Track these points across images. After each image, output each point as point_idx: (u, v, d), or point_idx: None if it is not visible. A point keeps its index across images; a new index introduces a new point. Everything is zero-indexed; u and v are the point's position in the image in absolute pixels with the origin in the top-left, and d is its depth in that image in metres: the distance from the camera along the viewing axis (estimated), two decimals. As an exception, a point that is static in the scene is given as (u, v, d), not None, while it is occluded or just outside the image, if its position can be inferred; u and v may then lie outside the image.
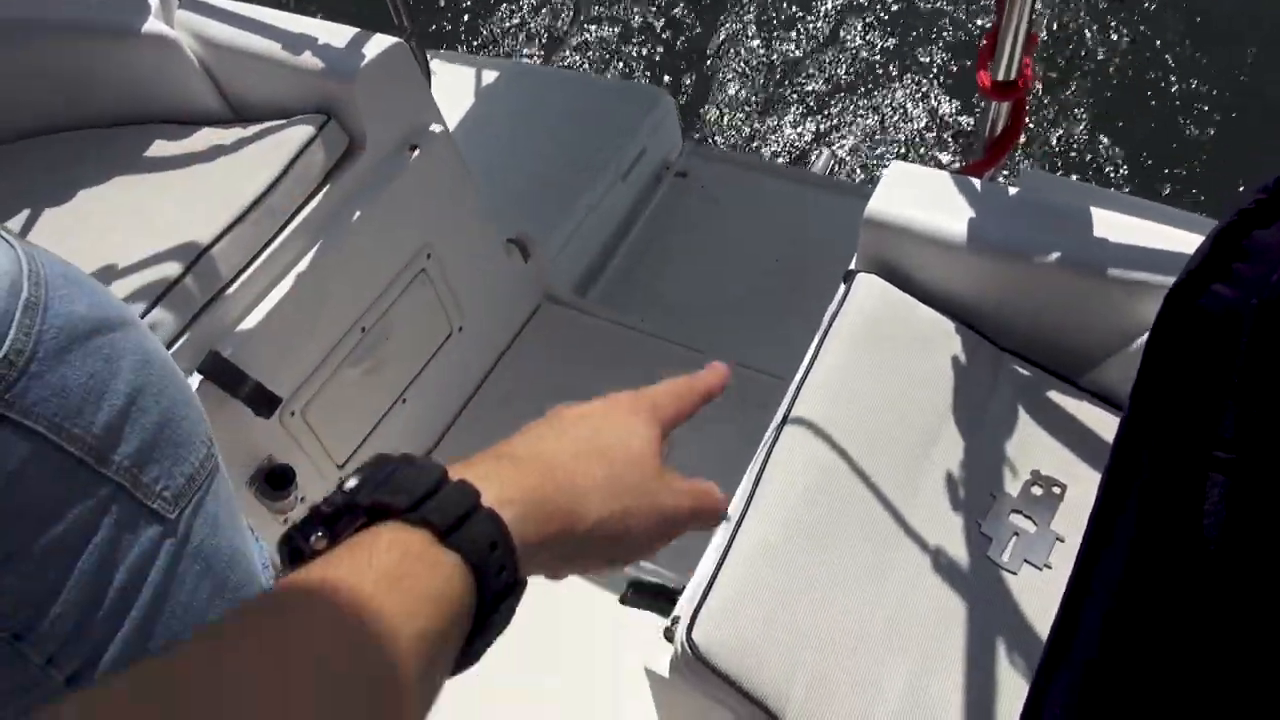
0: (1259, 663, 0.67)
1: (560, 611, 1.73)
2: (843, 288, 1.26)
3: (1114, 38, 3.65)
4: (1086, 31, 3.68)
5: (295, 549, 0.38)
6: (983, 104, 1.33)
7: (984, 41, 1.29)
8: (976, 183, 1.25)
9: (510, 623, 0.43)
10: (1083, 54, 3.63)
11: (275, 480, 1.58)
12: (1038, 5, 1.20)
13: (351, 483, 0.41)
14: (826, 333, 1.21)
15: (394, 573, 0.35)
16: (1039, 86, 3.49)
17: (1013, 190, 1.23)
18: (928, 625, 1.03)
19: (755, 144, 3.66)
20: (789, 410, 1.14)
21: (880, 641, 1.01)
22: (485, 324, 2.04)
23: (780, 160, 3.56)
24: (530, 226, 2.16)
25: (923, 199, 1.24)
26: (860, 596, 1.03)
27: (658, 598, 1.29)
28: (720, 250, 2.38)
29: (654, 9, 4.11)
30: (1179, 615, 0.68)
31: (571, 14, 4.16)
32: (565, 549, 0.46)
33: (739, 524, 1.06)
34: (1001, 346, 1.23)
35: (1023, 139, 1.28)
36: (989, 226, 1.19)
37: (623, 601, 1.38)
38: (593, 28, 4.11)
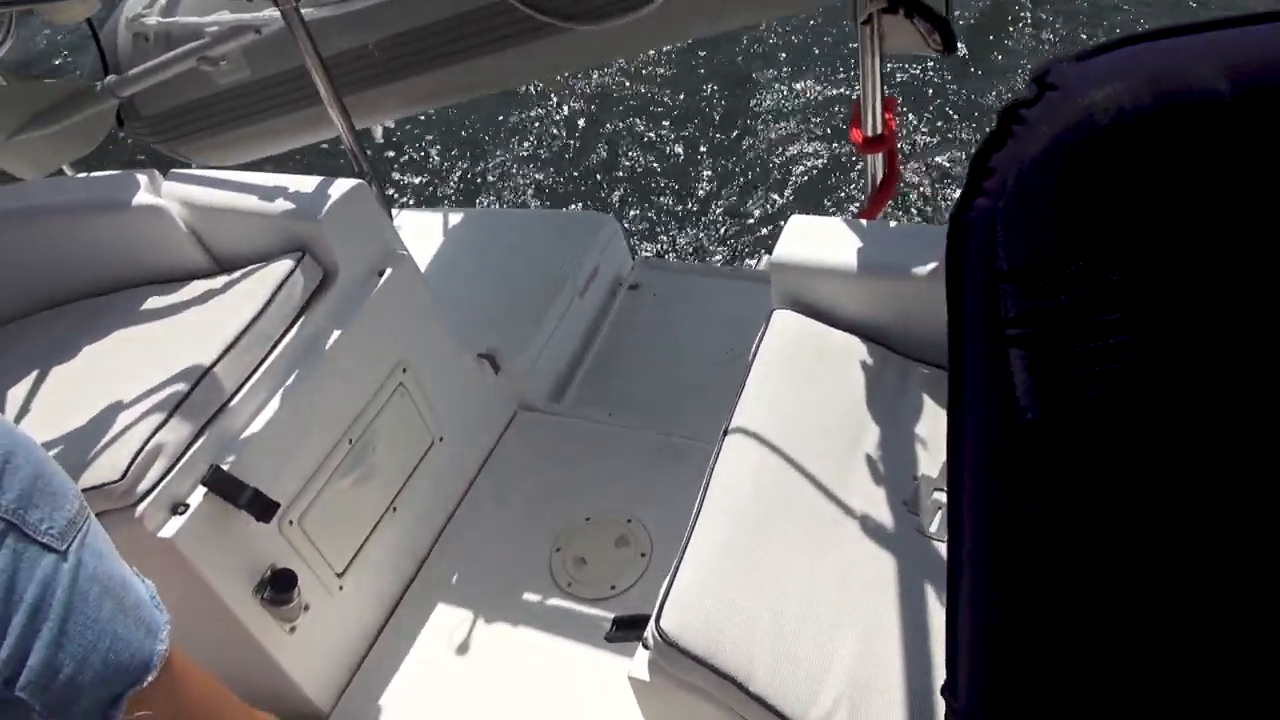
0: (1086, 515, 0.79)
1: (548, 655, 1.84)
2: (763, 326, 1.44)
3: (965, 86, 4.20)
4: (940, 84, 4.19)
5: None
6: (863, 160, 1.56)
7: (854, 107, 1.53)
8: (863, 222, 1.46)
9: None
10: (941, 103, 4.17)
11: (278, 584, 1.68)
12: (883, 71, 1.44)
13: None
14: (752, 362, 1.38)
15: None
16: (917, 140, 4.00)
17: (892, 224, 1.43)
18: (871, 593, 1.15)
19: (698, 251, 4.00)
20: (727, 426, 1.29)
21: (830, 612, 1.13)
22: (464, 433, 2.19)
23: (722, 263, 3.88)
24: (499, 343, 2.35)
25: (819, 241, 1.44)
26: (807, 575, 1.16)
27: (637, 627, 1.39)
28: (678, 349, 2.57)
29: (587, 143, 4.56)
30: (1018, 490, 0.82)
31: (514, 160, 4.58)
32: None
33: (694, 525, 1.20)
34: (906, 355, 1.40)
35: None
36: (874, 254, 1.38)
37: (608, 639, 1.48)
38: (537, 170, 4.52)
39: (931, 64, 4.29)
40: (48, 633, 0.61)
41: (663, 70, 4.81)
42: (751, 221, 4.02)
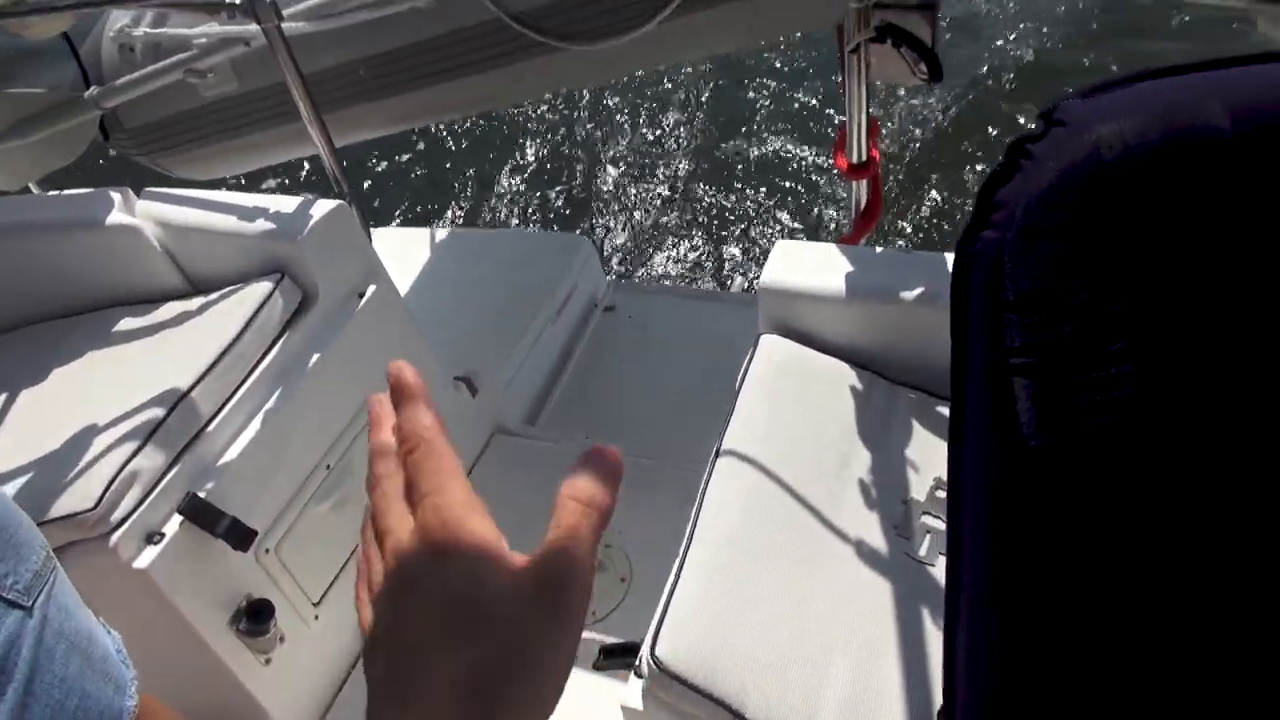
0: (1091, 544, 0.80)
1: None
2: (751, 350, 1.45)
3: (944, 112, 4.23)
4: (923, 112, 4.26)
5: None
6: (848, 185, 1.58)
7: (838, 134, 1.55)
8: (850, 248, 1.47)
9: None
10: (924, 132, 4.24)
11: (254, 615, 1.65)
12: (870, 100, 1.46)
13: None
14: (741, 386, 1.38)
15: None
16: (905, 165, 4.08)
17: (879, 249, 1.45)
18: (865, 618, 1.15)
19: (674, 274, 4.02)
20: (718, 449, 1.29)
21: (823, 637, 1.13)
22: (442, 457, 2.17)
23: (698, 285, 3.89)
24: (475, 366, 2.33)
25: (807, 266, 1.45)
26: (800, 600, 1.15)
27: (627, 655, 1.38)
28: (654, 371, 2.57)
29: (566, 165, 4.57)
30: (1020, 518, 0.82)
31: (493, 180, 4.58)
32: None
33: (686, 550, 1.19)
34: (892, 379, 1.41)
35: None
36: (861, 279, 1.39)
37: (596, 668, 1.47)
38: (514, 190, 4.52)
39: (916, 92, 4.36)
40: (13, 694, 0.59)
41: (646, 91, 4.85)
42: (729, 245, 4.05)
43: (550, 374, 2.60)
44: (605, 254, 4.10)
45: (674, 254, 4.06)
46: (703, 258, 4.02)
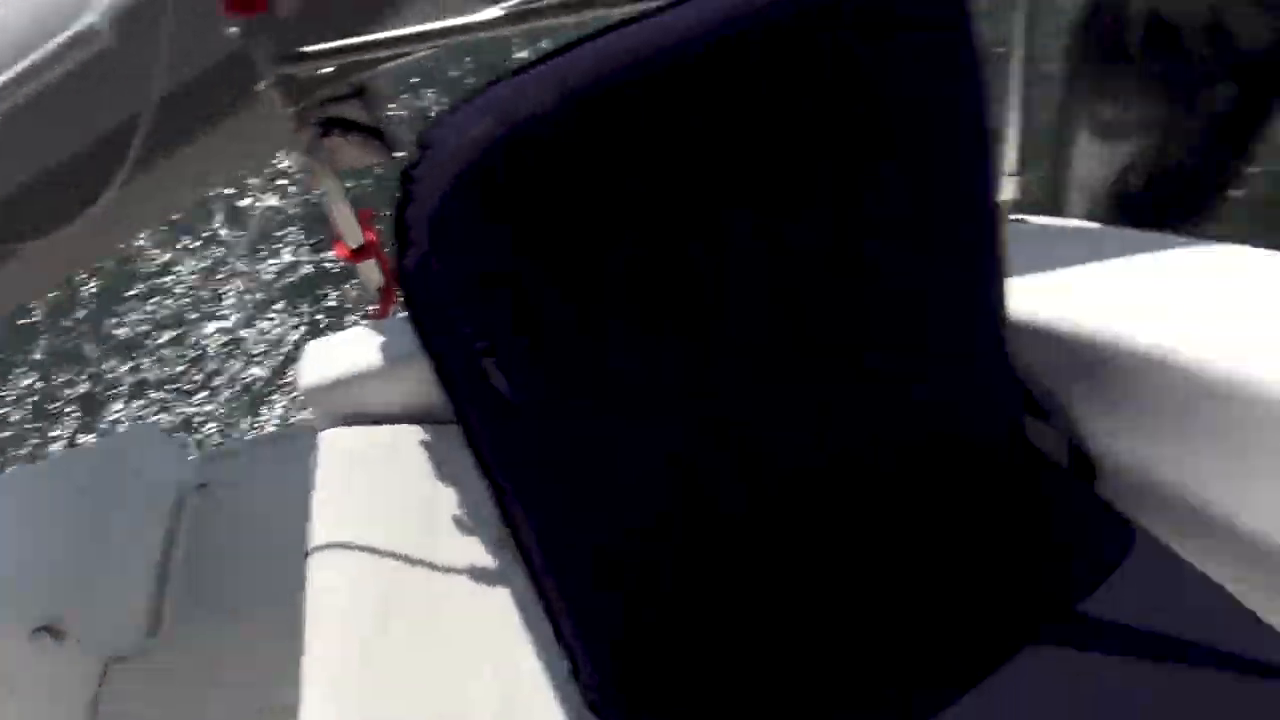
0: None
1: None
2: (313, 452, 1.46)
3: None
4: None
5: None
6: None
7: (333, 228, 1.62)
8: (380, 322, 1.54)
9: None
10: None
11: None
12: (345, 186, 1.55)
13: None
14: (313, 489, 1.39)
15: None
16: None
17: (401, 314, 1.53)
18: (497, 631, 1.18)
19: (253, 420, 3.91)
20: (307, 552, 1.28)
21: (463, 666, 1.15)
22: (42, 729, 1.89)
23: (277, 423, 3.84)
24: (60, 607, 2.06)
25: (340, 355, 1.49)
26: (432, 647, 1.17)
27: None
28: (267, 524, 2.43)
29: (92, 358, 4.27)
30: (531, 474, 0.95)
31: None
32: None
33: (304, 654, 1.16)
34: (453, 421, 1.49)
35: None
36: (394, 345, 1.46)
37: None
38: (49, 409, 4.13)
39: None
40: None
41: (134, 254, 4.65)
42: (290, 364, 4.04)
43: (156, 579, 2.36)
44: (181, 430, 3.87)
45: (244, 402, 3.94)
46: (274, 391, 3.96)
